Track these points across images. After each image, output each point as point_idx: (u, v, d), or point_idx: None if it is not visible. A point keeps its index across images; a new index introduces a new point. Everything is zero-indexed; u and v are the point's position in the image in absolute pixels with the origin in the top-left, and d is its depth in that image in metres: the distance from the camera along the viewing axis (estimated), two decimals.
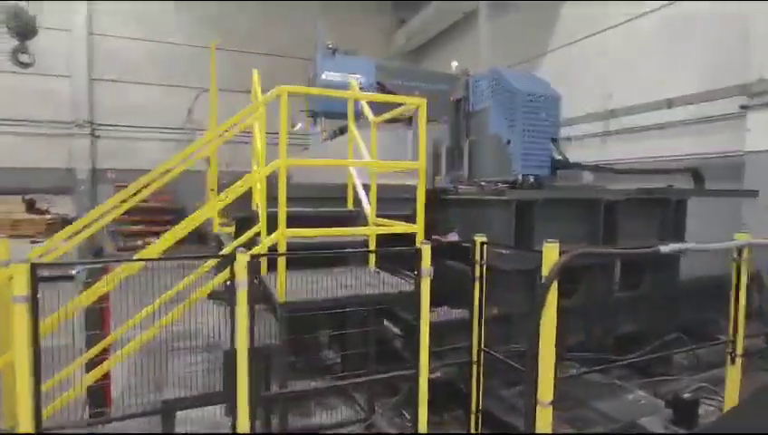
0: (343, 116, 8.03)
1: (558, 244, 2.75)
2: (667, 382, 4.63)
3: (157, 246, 2.84)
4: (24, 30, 6.95)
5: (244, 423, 2.56)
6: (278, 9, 15.24)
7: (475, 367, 3.43)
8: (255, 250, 2.79)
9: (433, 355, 4.03)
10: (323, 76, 7.48)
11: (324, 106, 7.72)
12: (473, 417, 3.44)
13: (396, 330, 3.99)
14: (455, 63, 5.97)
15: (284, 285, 2.77)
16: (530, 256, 4.21)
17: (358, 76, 7.92)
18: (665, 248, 3.06)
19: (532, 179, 4.72)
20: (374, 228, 3.13)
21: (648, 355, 4.30)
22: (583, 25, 9.75)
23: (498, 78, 4.93)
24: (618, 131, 8.89)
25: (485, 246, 3.36)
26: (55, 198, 12.01)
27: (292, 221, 3.88)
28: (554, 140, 4.82)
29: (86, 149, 13.10)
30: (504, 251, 4.17)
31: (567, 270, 5.13)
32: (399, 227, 3.13)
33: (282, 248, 2.93)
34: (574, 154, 10.36)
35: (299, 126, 8.94)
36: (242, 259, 2.51)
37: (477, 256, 3.38)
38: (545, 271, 2.73)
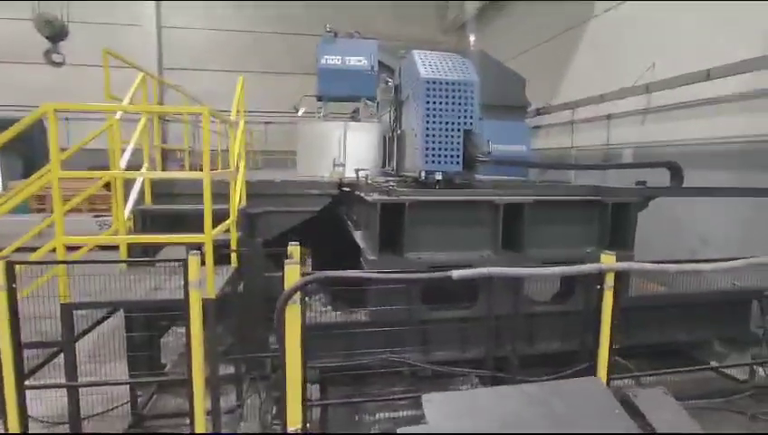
0: (343, 99, 8.08)
1: (298, 267, 2.52)
2: None
3: None
4: (56, 34, 7.96)
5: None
6: None
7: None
8: (34, 256, 2.98)
9: None
10: (323, 61, 7.51)
11: (325, 90, 7.78)
12: None
13: None
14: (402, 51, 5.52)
15: (67, 286, 2.94)
16: (397, 263, 3.90)
17: (360, 58, 7.83)
18: (456, 273, 2.61)
19: (438, 177, 4.26)
20: (137, 237, 3.14)
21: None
22: None
23: (410, 62, 4.46)
24: (649, 109, 7.56)
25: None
26: None
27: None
28: (469, 133, 4.26)
29: (156, 132, 14.74)
30: (370, 257, 3.92)
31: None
32: (185, 238, 3.08)
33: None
34: (615, 134, 9.04)
35: (302, 111, 9.14)
36: None
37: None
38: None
